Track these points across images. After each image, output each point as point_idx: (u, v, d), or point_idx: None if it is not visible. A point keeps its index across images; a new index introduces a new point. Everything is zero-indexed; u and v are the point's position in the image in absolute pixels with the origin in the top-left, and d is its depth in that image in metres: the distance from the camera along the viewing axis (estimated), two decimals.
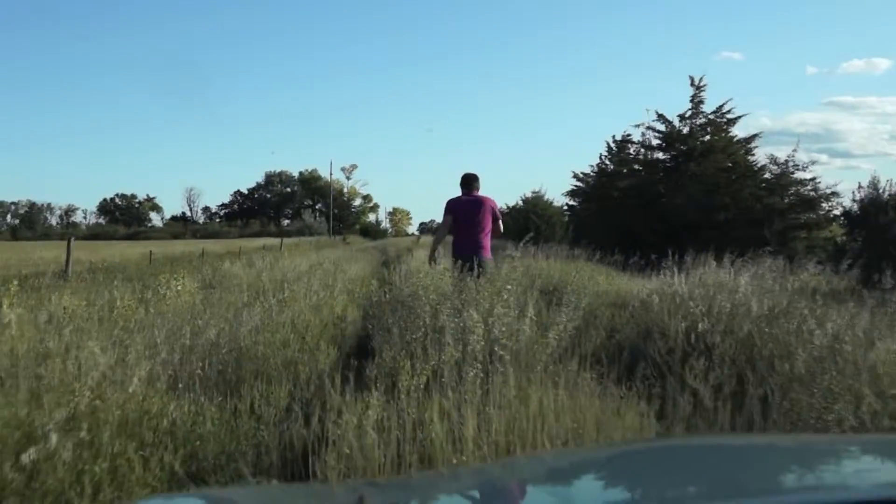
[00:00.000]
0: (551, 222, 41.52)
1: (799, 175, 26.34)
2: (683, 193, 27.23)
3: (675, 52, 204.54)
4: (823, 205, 25.94)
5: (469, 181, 9.96)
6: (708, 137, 28.23)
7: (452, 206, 9.79)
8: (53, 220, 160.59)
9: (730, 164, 27.57)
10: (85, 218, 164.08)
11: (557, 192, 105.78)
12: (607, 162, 37.86)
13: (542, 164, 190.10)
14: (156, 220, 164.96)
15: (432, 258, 10.38)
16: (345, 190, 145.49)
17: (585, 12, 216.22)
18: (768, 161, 27.21)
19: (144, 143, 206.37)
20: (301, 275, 14.96)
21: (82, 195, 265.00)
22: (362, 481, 3.81)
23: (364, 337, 9.43)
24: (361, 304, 12.52)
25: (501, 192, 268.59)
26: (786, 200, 26.46)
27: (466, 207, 9.70)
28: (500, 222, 9.99)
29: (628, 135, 34.93)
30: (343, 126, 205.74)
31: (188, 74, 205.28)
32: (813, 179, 26.15)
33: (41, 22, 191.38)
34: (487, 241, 9.75)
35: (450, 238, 10.20)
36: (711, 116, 28.35)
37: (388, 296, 9.08)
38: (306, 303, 10.85)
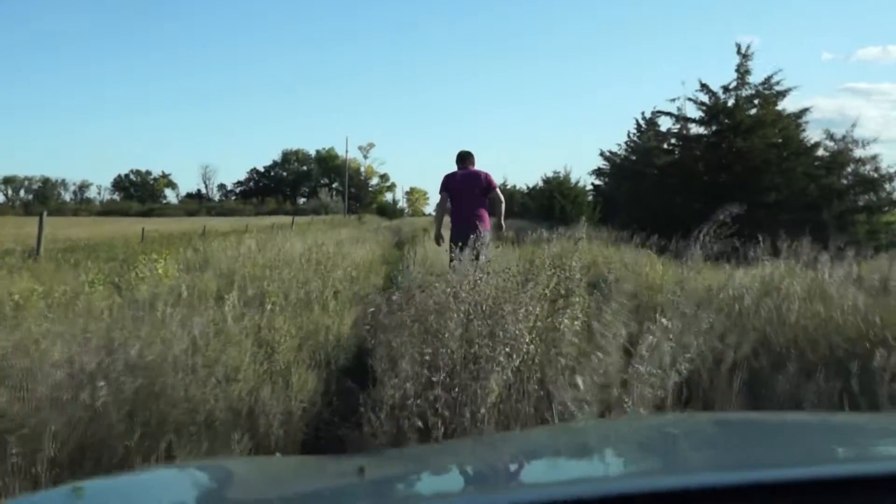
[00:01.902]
0: (577, 202, 39.14)
1: (858, 153, 23.84)
2: (728, 171, 24.85)
3: (691, 36, 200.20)
4: (886, 186, 23.45)
5: (463, 157, 10.23)
6: (754, 111, 25.64)
7: (446, 182, 10.15)
8: (67, 196, 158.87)
9: (780, 140, 24.98)
10: (99, 194, 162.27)
11: (581, 172, 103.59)
12: (636, 140, 36.14)
13: (564, 143, 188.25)
14: (171, 196, 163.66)
15: (438, 236, 10.57)
16: (362, 169, 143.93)
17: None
18: (824, 137, 24.70)
19: (161, 120, 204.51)
20: (294, 259, 12.53)
21: (97, 171, 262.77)
22: (363, 454, 3.76)
23: (364, 348, 7.10)
24: (364, 299, 10.17)
25: (523, 173, 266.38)
26: (843, 181, 23.96)
27: (460, 181, 10.04)
28: (498, 191, 10.26)
29: (658, 112, 33.35)
30: (361, 105, 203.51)
31: (206, 51, 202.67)
32: (874, 158, 23.67)
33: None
34: (485, 214, 9.92)
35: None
36: (759, 88, 25.70)
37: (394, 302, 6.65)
38: (289, 298, 8.48)
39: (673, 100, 28.19)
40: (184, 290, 8.64)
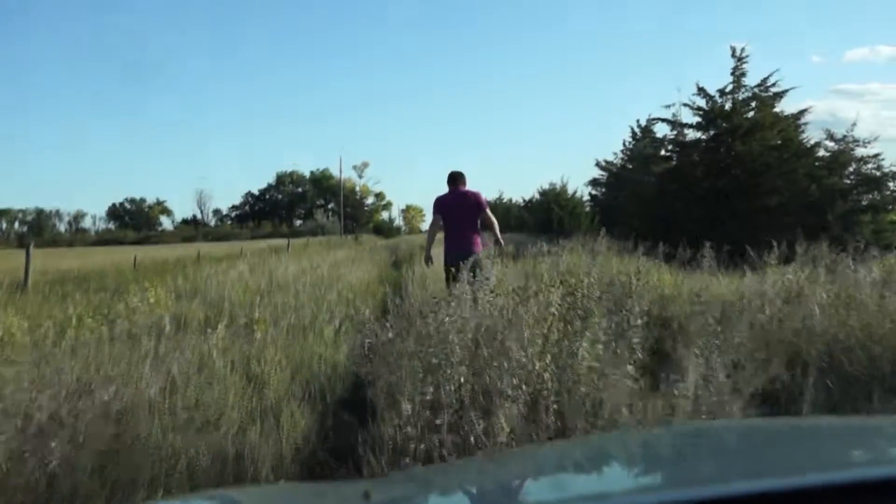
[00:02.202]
0: (575, 213, 38.75)
1: (859, 151, 23.42)
2: (728, 176, 24.42)
3: (683, 43, 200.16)
4: (889, 184, 23.03)
5: (454, 178, 10.13)
6: (752, 113, 25.22)
7: (438, 204, 10.05)
8: (62, 227, 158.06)
9: (779, 142, 24.53)
10: (94, 223, 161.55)
11: (577, 183, 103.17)
12: (632, 148, 35.90)
13: (559, 155, 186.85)
14: (166, 223, 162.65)
15: (428, 258, 10.55)
16: (357, 188, 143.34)
17: (590, 10, 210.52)
18: (824, 137, 24.28)
19: (154, 147, 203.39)
20: (287, 283, 12.06)
21: (92, 201, 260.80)
22: (367, 479, 3.72)
23: (362, 377, 6.62)
24: (361, 324, 9.72)
25: (518, 187, 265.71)
26: (846, 181, 23.53)
27: (452, 203, 9.95)
28: (489, 211, 10.11)
29: (655, 119, 33.23)
30: (354, 124, 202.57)
31: (195, 76, 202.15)
32: (877, 156, 23.25)
33: (44, 24, 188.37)
34: (477, 236, 9.93)
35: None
36: (756, 90, 25.28)
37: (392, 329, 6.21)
38: (280, 325, 8.00)
39: (668, 106, 27.70)
40: (167, 322, 8.18)
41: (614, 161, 39.49)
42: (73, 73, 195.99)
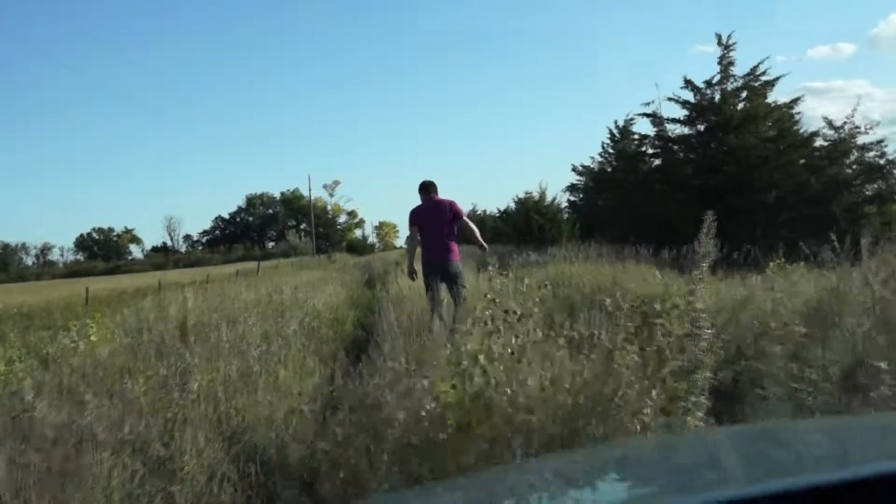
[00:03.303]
0: (555, 220, 37.19)
1: (861, 139, 21.88)
2: (721, 172, 22.88)
3: (649, 48, 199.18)
4: (895, 172, 21.48)
5: (426, 187, 10.00)
6: (742, 104, 23.68)
7: (414, 215, 9.92)
8: (29, 261, 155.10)
9: (775, 133, 22.99)
10: (62, 255, 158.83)
11: (553, 191, 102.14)
12: (611, 150, 34.66)
13: (531, 164, 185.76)
14: (136, 252, 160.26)
15: (411, 271, 10.39)
16: (328, 207, 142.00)
17: (553, 12, 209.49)
18: (823, 126, 22.74)
19: (119, 175, 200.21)
20: (240, 312, 10.24)
21: (58, 232, 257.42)
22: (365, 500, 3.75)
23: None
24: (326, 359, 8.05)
25: (491, 199, 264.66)
26: (848, 171, 21.99)
27: (427, 213, 9.83)
28: (466, 219, 10.00)
29: (631, 120, 32.08)
30: (322, 142, 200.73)
31: (158, 101, 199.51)
32: (880, 142, 21.71)
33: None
34: (453, 245, 9.77)
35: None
36: (746, 80, 23.74)
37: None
38: (219, 373, 6.22)
39: (648, 104, 26.14)
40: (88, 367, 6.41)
41: (592, 165, 38.49)
42: (33, 101, 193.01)
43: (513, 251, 24.99)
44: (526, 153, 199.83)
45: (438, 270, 9.44)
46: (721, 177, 22.87)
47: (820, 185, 21.56)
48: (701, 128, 24.47)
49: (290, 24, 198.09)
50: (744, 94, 23.76)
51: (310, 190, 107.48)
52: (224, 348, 7.16)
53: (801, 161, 22.14)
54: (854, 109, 23.03)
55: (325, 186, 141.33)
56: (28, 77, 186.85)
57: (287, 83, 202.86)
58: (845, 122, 21.92)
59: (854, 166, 21.98)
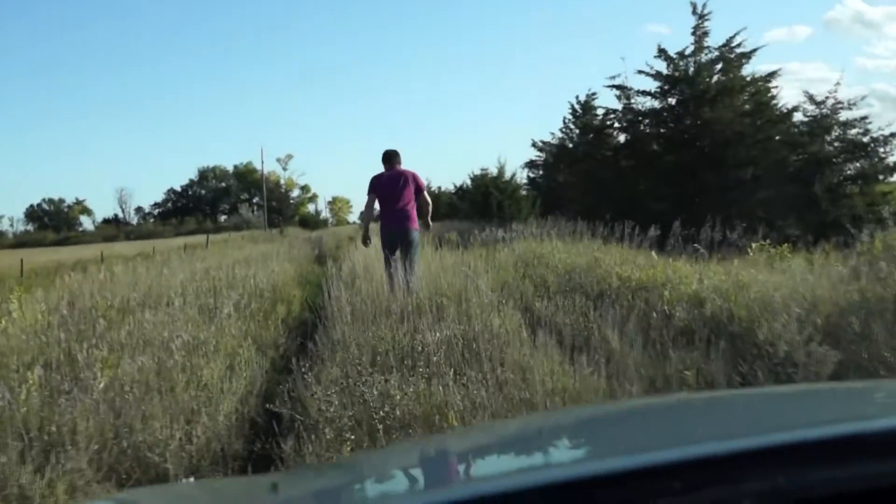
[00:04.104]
0: (514, 197, 36.10)
1: (844, 115, 20.78)
2: (694, 148, 21.77)
3: (601, 26, 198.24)
4: (879, 150, 20.44)
5: (389, 157, 10.00)
6: (717, 77, 22.53)
7: (374, 183, 9.82)
8: None
9: (751, 107, 21.88)
10: (12, 226, 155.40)
11: (511, 167, 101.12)
12: (572, 126, 33.75)
13: (486, 140, 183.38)
14: (87, 223, 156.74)
15: (365, 238, 10.47)
16: (282, 181, 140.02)
17: None
18: (803, 100, 21.63)
19: (69, 145, 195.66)
20: (170, 292, 8.87)
21: (8, 203, 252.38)
22: (277, 472, 3.73)
23: None
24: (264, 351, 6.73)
25: (446, 174, 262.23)
26: (829, 147, 20.90)
27: (388, 182, 9.76)
28: (426, 194, 10.07)
29: (594, 94, 31.68)
30: (276, 115, 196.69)
31: (109, 70, 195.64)
32: (864, 119, 20.62)
33: None
34: (413, 214, 9.77)
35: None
36: (721, 51, 22.57)
37: None
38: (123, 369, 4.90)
39: (613, 77, 24.89)
40: None
41: (552, 141, 37.36)
42: None
43: (471, 228, 23.83)
44: (482, 129, 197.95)
45: (398, 238, 9.42)
46: (694, 152, 21.81)
47: (800, 162, 20.50)
48: (673, 101, 23.29)
49: None
50: (718, 67, 22.61)
51: (262, 163, 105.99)
52: (136, 338, 5.80)
53: (779, 137, 21.01)
54: (837, 84, 21.86)
55: (278, 160, 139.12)
56: None
57: (240, 54, 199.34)
58: (827, 97, 20.85)
59: (836, 144, 20.90)
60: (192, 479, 3.93)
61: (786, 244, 11.74)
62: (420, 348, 6.00)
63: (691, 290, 7.83)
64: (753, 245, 11.31)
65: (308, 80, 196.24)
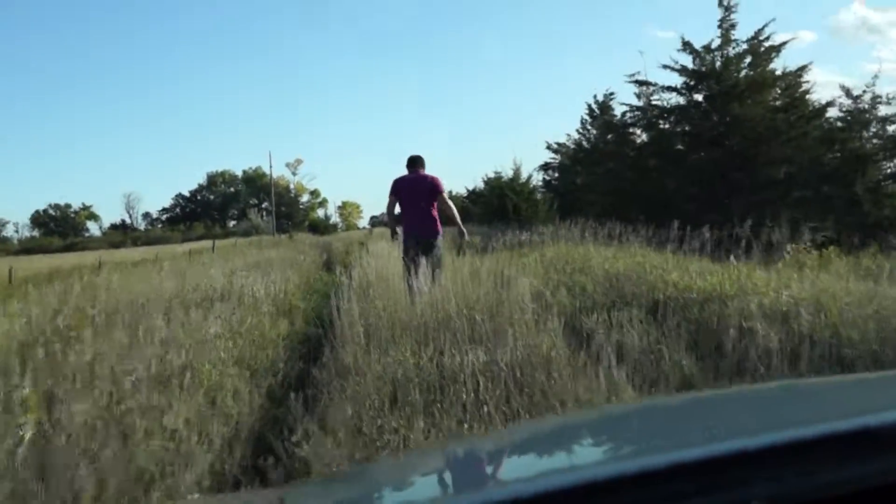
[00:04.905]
0: (531, 199, 35.02)
1: (883, 110, 19.54)
2: (722, 146, 20.55)
3: (609, 32, 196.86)
4: None
5: (413, 161, 9.92)
6: (745, 71, 21.29)
7: (395, 185, 9.78)
8: None
9: (783, 102, 20.64)
10: (17, 232, 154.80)
11: (525, 169, 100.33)
12: (590, 126, 33.08)
13: (498, 145, 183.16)
14: (94, 229, 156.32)
15: (393, 232, 10.05)
16: (291, 186, 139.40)
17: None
18: (839, 94, 20.37)
19: (77, 150, 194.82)
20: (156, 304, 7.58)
21: (14, 209, 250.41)
22: (285, 486, 3.49)
23: None
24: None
25: (458, 179, 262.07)
26: (867, 145, 19.65)
27: (408, 185, 9.72)
28: (446, 197, 9.89)
29: (611, 93, 30.83)
30: (286, 120, 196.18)
31: (117, 76, 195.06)
32: None
33: None
34: (435, 219, 9.64)
35: None
36: (751, 43, 21.33)
37: None
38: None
39: (633, 74, 23.73)
40: None
41: (568, 143, 37.19)
42: None
43: (488, 232, 22.68)
44: (492, 133, 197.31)
45: (419, 244, 9.08)
46: (722, 150, 20.61)
47: (837, 160, 19.25)
48: (699, 97, 22.05)
49: (251, 1, 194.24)
50: (747, 61, 21.37)
51: (270, 167, 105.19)
52: (90, 368, 4.54)
53: (816, 134, 19.74)
54: (875, 77, 20.56)
55: (287, 165, 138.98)
56: None
57: (249, 58, 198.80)
58: (864, 91, 19.58)
59: (874, 140, 19.64)
60: (197, 496, 3.84)
61: (831, 247, 10.78)
62: (452, 378, 4.80)
63: (767, 301, 6.60)
64: (790, 248, 10.46)
65: (318, 84, 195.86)
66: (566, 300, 8.24)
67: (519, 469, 1.79)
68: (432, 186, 9.65)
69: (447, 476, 1.89)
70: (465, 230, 10.43)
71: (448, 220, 9.84)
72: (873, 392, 2.06)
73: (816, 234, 12.80)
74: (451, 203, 9.95)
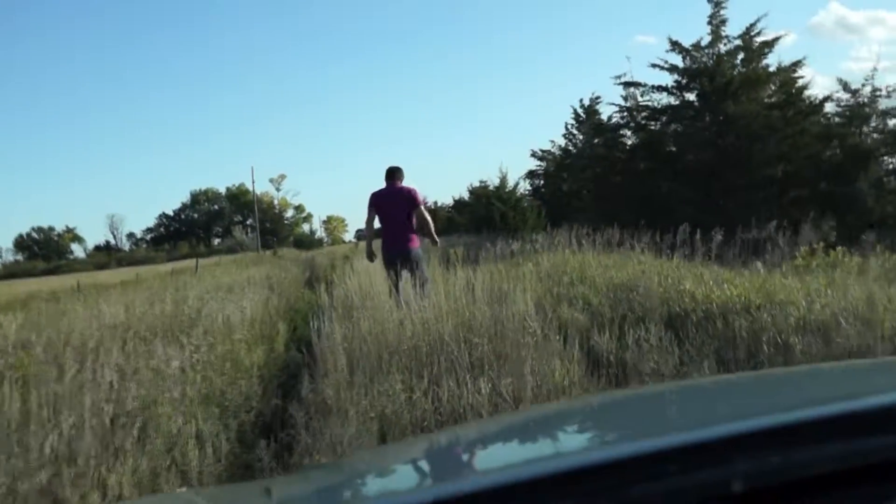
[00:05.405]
0: (518, 208, 34.47)
1: (883, 104, 18.92)
2: (715, 146, 19.96)
3: (591, 39, 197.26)
4: None
5: (391, 173, 9.87)
6: (738, 68, 20.72)
7: (373, 199, 9.72)
8: None
9: (780, 99, 20.05)
10: (0, 256, 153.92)
11: (511, 177, 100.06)
12: (575, 132, 32.80)
13: (482, 155, 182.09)
14: (78, 251, 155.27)
15: (370, 254, 10.14)
16: (275, 202, 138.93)
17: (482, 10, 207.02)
18: (837, 89, 19.77)
19: (58, 173, 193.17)
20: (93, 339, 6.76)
21: None
22: (272, 478, 3.69)
23: None
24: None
25: (442, 189, 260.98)
26: (868, 140, 19.06)
27: (386, 198, 9.66)
28: (423, 209, 9.74)
29: (597, 97, 30.72)
30: (267, 136, 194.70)
31: (96, 96, 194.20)
32: None
33: None
34: (412, 232, 9.58)
35: None
36: (741, 40, 20.75)
37: None
38: None
39: (619, 76, 23.14)
40: None
41: (552, 150, 36.96)
42: None
43: (475, 241, 21.96)
44: (475, 143, 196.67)
45: (398, 258, 9.12)
46: (715, 150, 20.03)
47: (837, 156, 18.63)
48: (691, 96, 21.46)
49: (229, 16, 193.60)
50: (740, 57, 20.79)
51: (252, 182, 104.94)
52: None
53: (814, 130, 19.14)
54: (874, 69, 19.85)
55: (271, 181, 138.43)
56: None
57: (229, 75, 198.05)
58: (863, 84, 18.96)
59: (874, 135, 19.03)
60: (184, 489, 3.79)
61: (839, 247, 10.21)
62: (451, 414, 4.09)
63: (799, 311, 5.87)
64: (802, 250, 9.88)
65: (298, 98, 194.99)
66: (570, 315, 7.49)
67: (508, 456, 1.77)
68: (409, 198, 9.61)
69: (433, 465, 1.86)
70: (437, 239, 10.13)
71: (421, 229, 9.74)
72: (858, 378, 2.08)
73: (822, 233, 12.18)
74: (426, 215, 9.80)
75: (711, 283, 7.47)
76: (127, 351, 5.88)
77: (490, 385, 4.51)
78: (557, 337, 5.53)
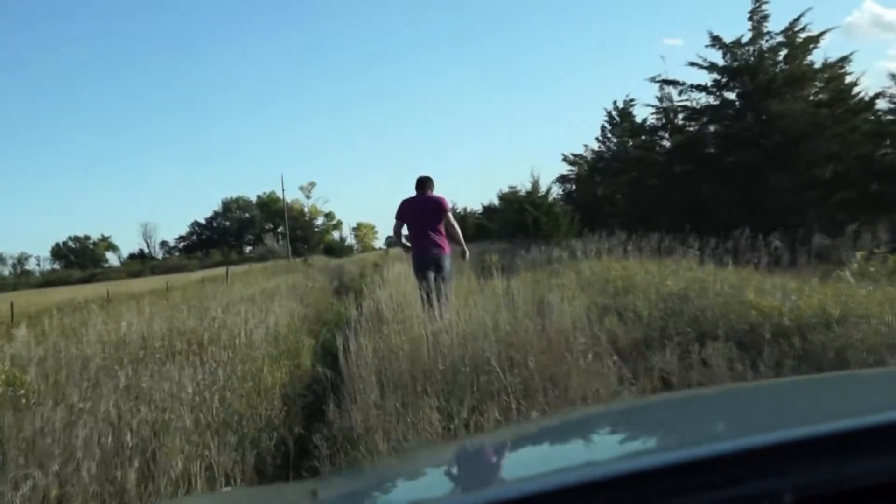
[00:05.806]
0: (551, 213, 33.81)
1: None
2: (758, 147, 19.28)
3: (617, 43, 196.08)
4: None
5: (422, 182, 9.93)
6: (780, 65, 20.02)
7: (401, 208, 9.87)
8: (6, 271, 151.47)
9: (826, 96, 19.33)
10: (38, 265, 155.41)
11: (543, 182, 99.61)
12: (610, 135, 32.19)
13: (512, 161, 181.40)
14: (113, 259, 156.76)
15: (406, 248, 9.92)
16: (305, 209, 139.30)
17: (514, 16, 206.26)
18: (890, 84, 19.00)
19: (94, 183, 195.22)
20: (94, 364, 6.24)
21: (34, 242, 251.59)
22: (317, 478, 3.71)
23: None
24: None
25: (471, 196, 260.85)
26: None
27: (413, 207, 9.77)
28: (451, 217, 9.77)
29: (631, 100, 29.92)
30: (298, 144, 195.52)
31: (131, 107, 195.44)
32: None
33: None
34: (442, 239, 9.58)
35: None
36: (783, 37, 20.06)
37: None
38: None
39: (654, 77, 22.55)
40: None
41: (585, 154, 36.48)
42: (4, 112, 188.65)
43: (508, 248, 21.37)
44: (502, 148, 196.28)
45: (428, 264, 9.19)
46: (758, 151, 19.31)
47: (890, 156, 17.94)
48: (731, 95, 20.78)
49: (263, 26, 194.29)
50: (783, 54, 20.08)
51: (283, 190, 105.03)
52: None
53: (865, 128, 18.41)
54: None
55: (301, 188, 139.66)
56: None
57: (260, 84, 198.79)
58: None
59: None
60: (228, 489, 3.77)
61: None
62: None
63: (886, 327, 5.23)
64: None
65: (329, 106, 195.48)
66: (622, 330, 6.86)
67: (549, 461, 1.70)
68: (438, 207, 9.67)
69: (475, 469, 1.80)
70: (467, 251, 10.21)
71: (452, 239, 9.73)
72: None
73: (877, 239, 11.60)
74: (455, 223, 9.80)
75: (779, 294, 6.82)
76: (139, 372, 5.36)
77: (542, 415, 3.95)
78: (614, 357, 4.95)
